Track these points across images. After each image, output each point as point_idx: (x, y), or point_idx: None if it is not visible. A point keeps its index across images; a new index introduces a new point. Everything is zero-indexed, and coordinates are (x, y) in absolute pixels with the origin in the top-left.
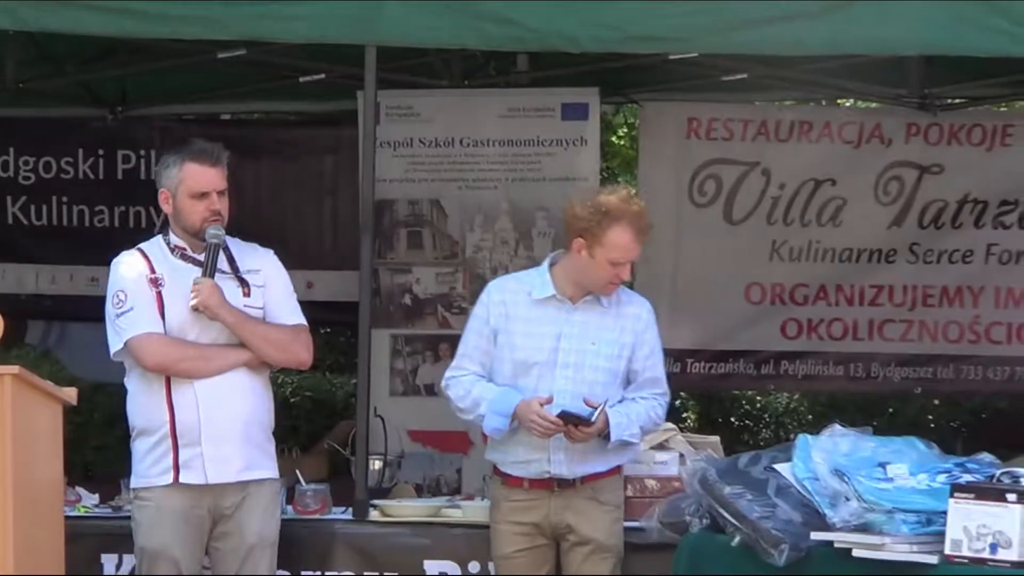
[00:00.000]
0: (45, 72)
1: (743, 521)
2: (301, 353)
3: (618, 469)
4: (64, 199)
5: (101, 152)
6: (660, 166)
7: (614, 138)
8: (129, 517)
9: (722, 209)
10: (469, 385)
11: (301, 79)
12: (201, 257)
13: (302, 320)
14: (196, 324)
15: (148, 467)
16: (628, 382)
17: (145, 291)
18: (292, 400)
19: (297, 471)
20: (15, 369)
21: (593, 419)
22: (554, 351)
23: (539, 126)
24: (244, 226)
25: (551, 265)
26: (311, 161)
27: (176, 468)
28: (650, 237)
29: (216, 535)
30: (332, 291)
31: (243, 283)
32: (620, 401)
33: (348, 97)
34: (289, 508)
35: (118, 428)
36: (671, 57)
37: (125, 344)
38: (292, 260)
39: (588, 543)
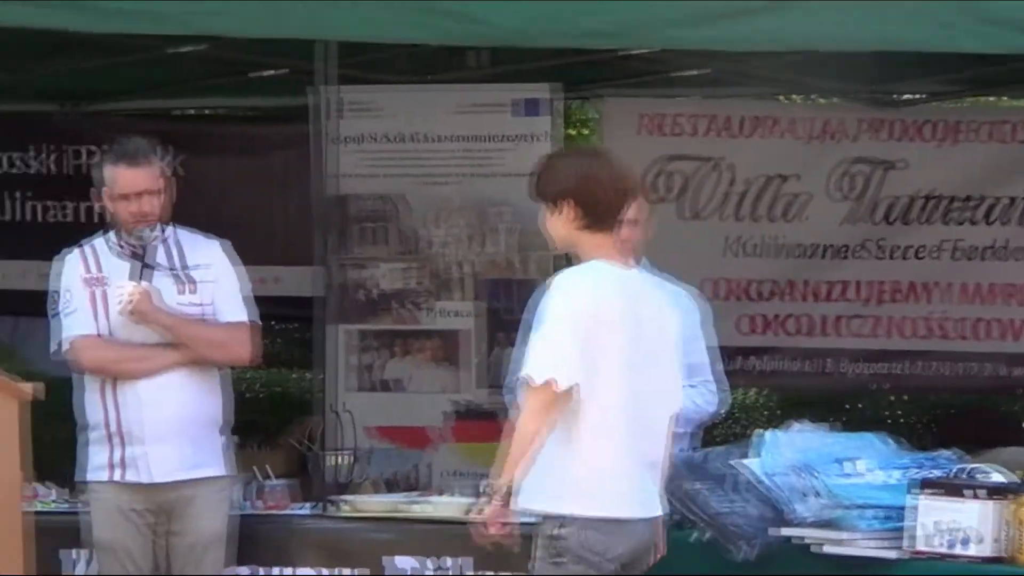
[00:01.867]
0: None
1: (710, 516)
2: (239, 351)
3: None
4: (17, 195)
5: (52, 147)
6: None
7: (577, 132)
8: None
9: (676, 205)
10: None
11: (251, 74)
12: (147, 257)
13: (244, 317)
14: (137, 324)
15: (92, 462)
16: None
17: (84, 291)
18: (252, 396)
19: (267, 466)
20: None
21: None
22: None
23: (493, 122)
24: (201, 221)
25: None
26: (268, 157)
27: (118, 465)
28: None
29: (168, 532)
30: (290, 286)
31: (181, 280)
32: None
33: (304, 92)
34: (249, 504)
35: (75, 426)
36: (631, 52)
37: (60, 345)
38: (251, 256)
39: None
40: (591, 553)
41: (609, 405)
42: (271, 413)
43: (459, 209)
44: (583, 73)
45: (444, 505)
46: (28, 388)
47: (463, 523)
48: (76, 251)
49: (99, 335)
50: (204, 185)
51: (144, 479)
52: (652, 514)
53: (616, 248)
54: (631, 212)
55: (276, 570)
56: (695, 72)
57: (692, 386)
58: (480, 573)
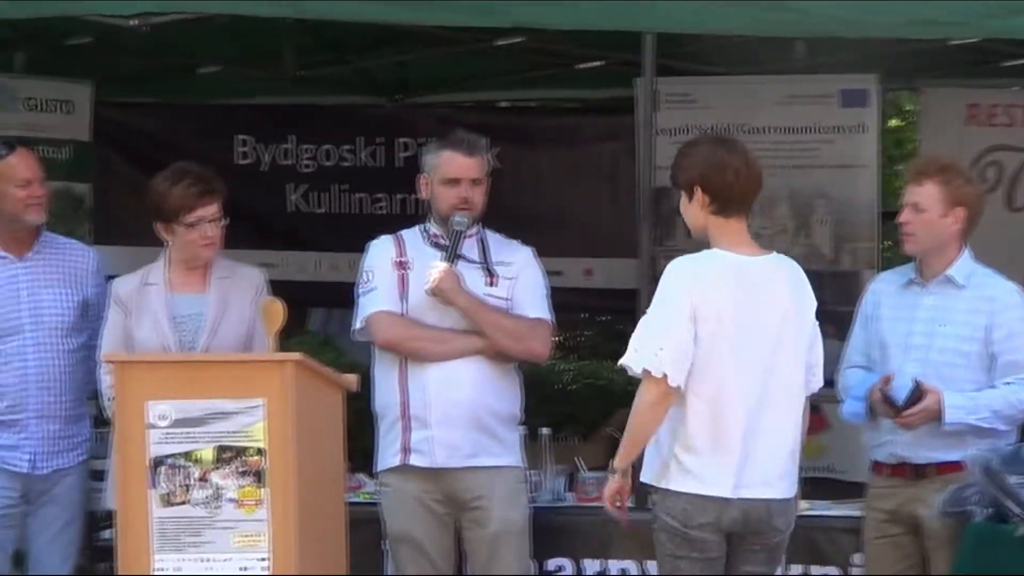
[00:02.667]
0: (324, 60)
1: None
2: (535, 346)
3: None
4: (344, 187)
5: (380, 140)
6: (940, 152)
7: (897, 123)
8: None
9: (1003, 196)
10: (848, 377)
11: (578, 67)
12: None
13: (545, 315)
14: (435, 310)
15: (385, 449)
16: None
17: (389, 272)
18: (571, 388)
19: (577, 458)
20: (297, 356)
21: (901, 402)
22: (907, 334)
23: (817, 113)
24: (522, 213)
25: None
26: (589, 149)
27: (406, 450)
28: None
29: (464, 526)
30: (610, 278)
31: (489, 272)
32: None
33: (626, 84)
34: (570, 495)
35: (374, 417)
36: (952, 42)
37: (363, 321)
38: (570, 248)
39: (929, 538)
40: (682, 526)
41: (716, 391)
42: (586, 405)
43: (779, 200)
44: (899, 63)
45: None
46: (353, 379)
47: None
48: (390, 236)
49: (395, 313)
50: (524, 177)
51: (427, 463)
52: (762, 496)
53: (747, 235)
54: (910, 196)
55: (588, 563)
56: (1018, 62)
57: (1009, 383)
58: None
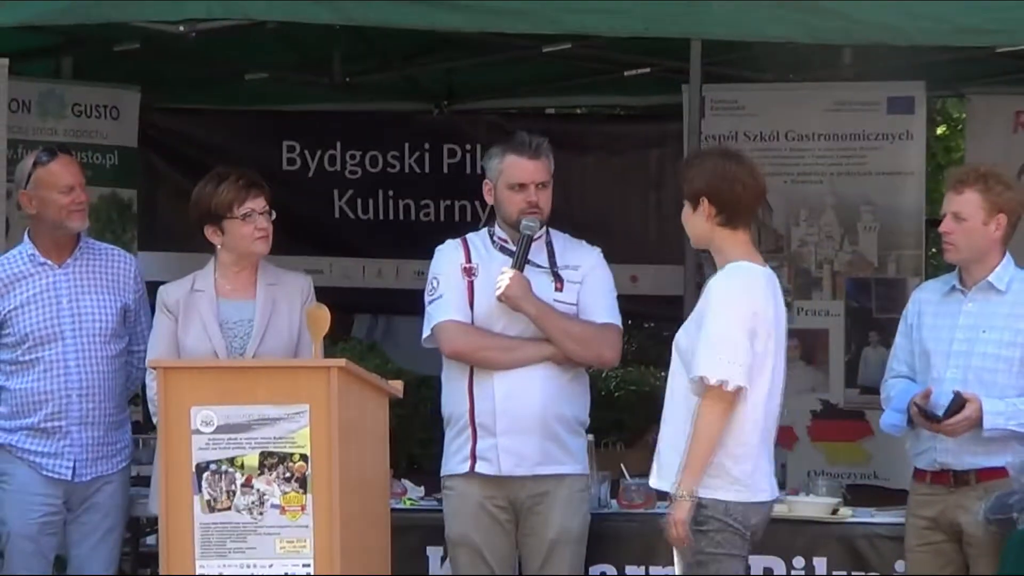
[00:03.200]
0: (371, 66)
1: None
2: (605, 352)
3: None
4: (390, 193)
5: (427, 146)
6: (987, 160)
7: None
8: None
9: None
10: (889, 388)
11: (626, 73)
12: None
13: (615, 320)
14: (503, 316)
15: (451, 456)
16: None
17: (457, 279)
18: (616, 394)
19: (621, 464)
20: (342, 362)
21: (941, 415)
22: (948, 341)
23: (864, 120)
24: (569, 219)
25: None
26: (636, 155)
27: (473, 457)
28: None
29: (522, 531)
30: (656, 285)
31: (557, 278)
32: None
33: (673, 91)
34: (614, 502)
35: (443, 422)
36: (999, 50)
37: (431, 330)
38: (616, 254)
39: (971, 545)
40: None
41: (759, 402)
42: (631, 412)
43: (825, 208)
44: (945, 71)
45: (806, 505)
46: (398, 385)
47: (825, 523)
48: (459, 241)
49: (463, 322)
50: (571, 184)
51: (493, 471)
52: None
53: (753, 245)
54: (951, 205)
55: (631, 569)
56: None
57: None
58: (835, 574)
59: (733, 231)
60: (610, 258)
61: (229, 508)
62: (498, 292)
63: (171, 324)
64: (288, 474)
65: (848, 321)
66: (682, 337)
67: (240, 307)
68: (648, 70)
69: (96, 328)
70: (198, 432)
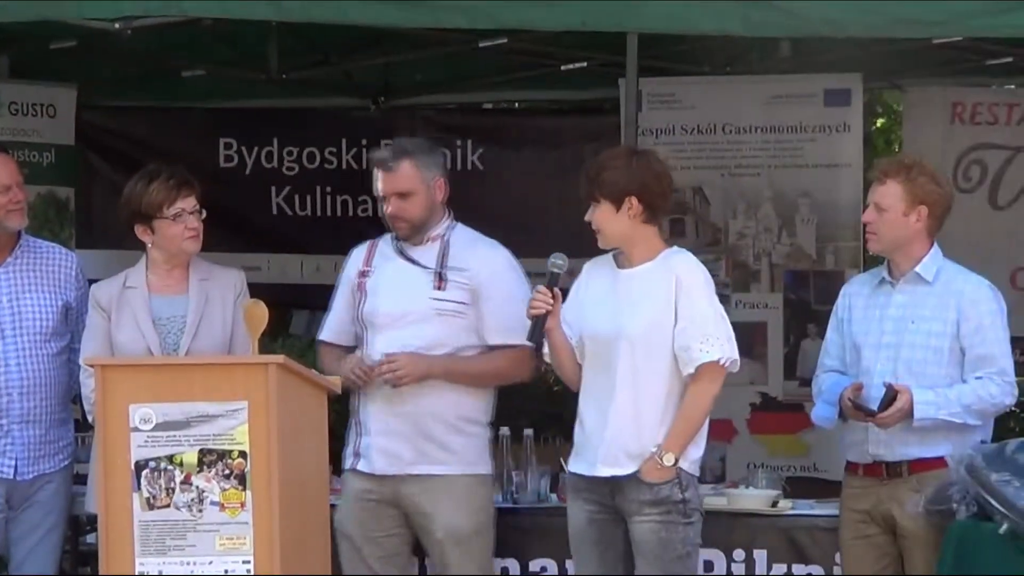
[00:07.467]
0: (309, 62)
1: (1011, 509)
2: (518, 377)
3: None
4: (328, 189)
5: (364, 142)
6: (924, 151)
7: (880, 122)
8: None
9: (987, 194)
10: (821, 382)
11: (563, 67)
12: (415, 254)
13: (517, 338)
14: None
15: (345, 450)
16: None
17: (348, 287)
18: (555, 388)
19: (560, 459)
20: (280, 358)
21: (875, 406)
22: (879, 333)
23: (801, 112)
24: (505, 214)
25: None
26: (573, 149)
27: (356, 454)
28: None
29: (415, 530)
30: None
31: (440, 277)
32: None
33: (609, 85)
34: (553, 496)
35: None
36: (935, 41)
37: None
38: (553, 248)
39: (905, 537)
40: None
41: None
42: (569, 406)
43: (763, 200)
44: (882, 63)
45: (746, 498)
46: (336, 381)
47: (765, 515)
48: (368, 243)
49: (330, 343)
50: (507, 178)
51: (369, 470)
52: None
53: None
54: (873, 195)
55: (572, 563)
56: (1002, 61)
57: (979, 377)
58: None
59: (652, 225)
60: (547, 252)
61: (168, 506)
62: (391, 383)
63: (103, 322)
64: (227, 471)
65: (787, 313)
66: (636, 324)
67: (173, 303)
68: (585, 64)
69: (37, 326)
70: (136, 430)
